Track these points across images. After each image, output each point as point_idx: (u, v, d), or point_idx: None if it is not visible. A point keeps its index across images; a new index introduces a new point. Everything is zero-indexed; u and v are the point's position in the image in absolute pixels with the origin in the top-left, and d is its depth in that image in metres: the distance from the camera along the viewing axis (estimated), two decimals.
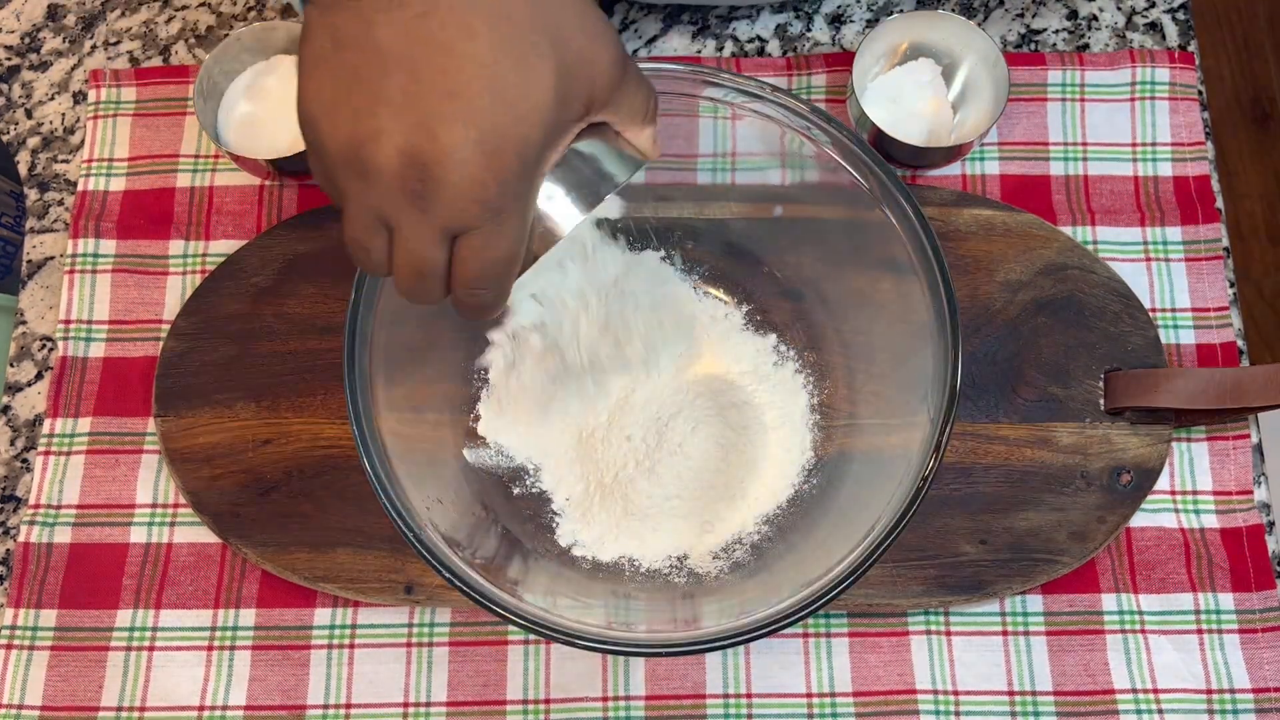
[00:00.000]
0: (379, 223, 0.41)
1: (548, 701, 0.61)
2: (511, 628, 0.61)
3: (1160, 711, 0.60)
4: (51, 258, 0.70)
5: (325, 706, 0.61)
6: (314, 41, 0.40)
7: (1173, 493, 0.64)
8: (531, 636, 0.61)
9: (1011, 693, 0.61)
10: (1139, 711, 0.60)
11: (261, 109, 0.68)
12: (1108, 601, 0.62)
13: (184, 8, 0.75)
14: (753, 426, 0.62)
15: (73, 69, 0.74)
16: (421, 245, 0.41)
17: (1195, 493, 0.64)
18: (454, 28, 0.38)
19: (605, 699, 0.61)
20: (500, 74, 0.38)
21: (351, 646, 0.62)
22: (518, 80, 0.39)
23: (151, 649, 0.62)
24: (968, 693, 0.61)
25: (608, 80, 0.42)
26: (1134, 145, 0.70)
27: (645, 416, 0.62)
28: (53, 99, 0.74)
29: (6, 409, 0.68)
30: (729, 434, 0.62)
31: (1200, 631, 0.62)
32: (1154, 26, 0.73)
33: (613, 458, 0.61)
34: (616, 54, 0.42)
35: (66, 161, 0.72)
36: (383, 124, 0.38)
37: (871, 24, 0.74)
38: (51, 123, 0.73)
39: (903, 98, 0.68)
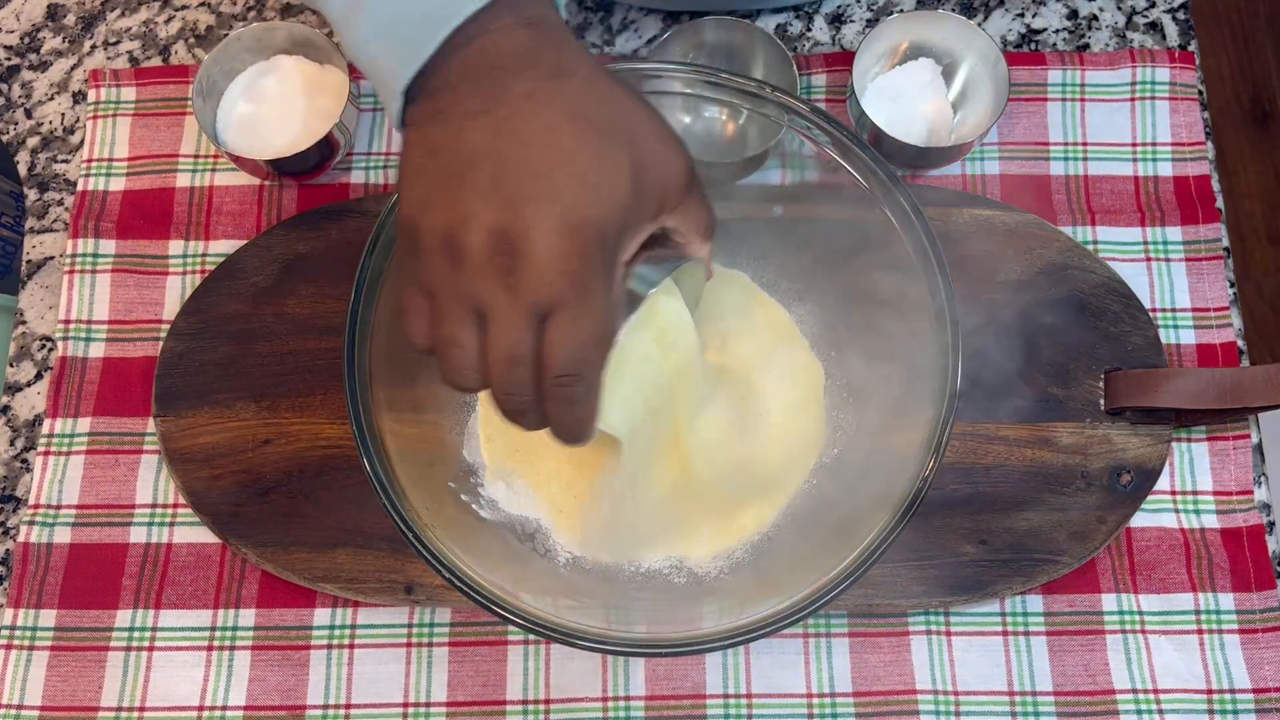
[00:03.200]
0: (470, 312, 0.41)
1: (548, 702, 0.61)
2: (511, 628, 0.61)
3: (1160, 712, 0.60)
4: (51, 258, 0.70)
5: (325, 707, 0.61)
6: (411, 155, 0.43)
7: (1173, 493, 0.64)
8: (531, 636, 0.61)
9: (1012, 693, 0.61)
10: (1139, 712, 0.60)
11: (261, 109, 0.68)
12: (1108, 602, 0.62)
13: (184, 8, 0.75)
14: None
15: (73, 69, 0.74)
16: (512, 326, 0.41)
17: (1195, 493, 0.64)
18: (537, 125, 0.41)
19: (605, 699, 0.61)
20: (580, 161, 0.41)
21: (351, 647, 0.62)
22: (597, 167, 0.41)
23: (151, 649, 0.62)
24: (968, 693, 0.61)
25: (679, 184, 0.45)
26: (1134, 145, 0.70)
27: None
28: (53, 99, 0.73)
29: (6, 409, 0.68)
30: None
31: (1200, 632, 0.62)
32: (1154, 26, 0.73)
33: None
34: (686, 162, 0.45)
35: (66, 161, 0.72)
36: (471, 207, 0.40)
37: (871, 24, 0.74)
38: (51, 123, 0.73)
39: (903, 98, 0.68)
